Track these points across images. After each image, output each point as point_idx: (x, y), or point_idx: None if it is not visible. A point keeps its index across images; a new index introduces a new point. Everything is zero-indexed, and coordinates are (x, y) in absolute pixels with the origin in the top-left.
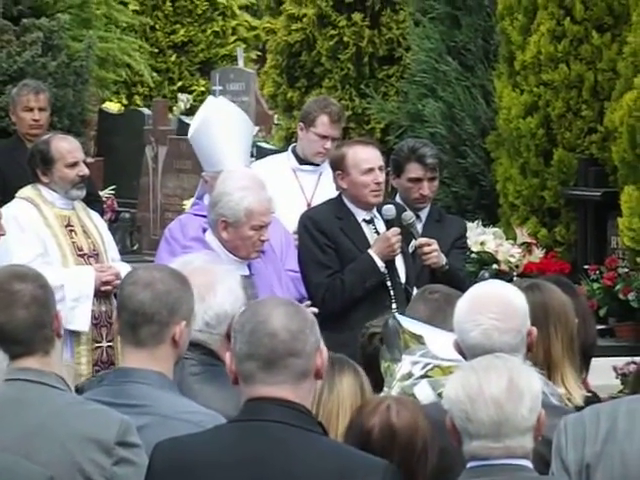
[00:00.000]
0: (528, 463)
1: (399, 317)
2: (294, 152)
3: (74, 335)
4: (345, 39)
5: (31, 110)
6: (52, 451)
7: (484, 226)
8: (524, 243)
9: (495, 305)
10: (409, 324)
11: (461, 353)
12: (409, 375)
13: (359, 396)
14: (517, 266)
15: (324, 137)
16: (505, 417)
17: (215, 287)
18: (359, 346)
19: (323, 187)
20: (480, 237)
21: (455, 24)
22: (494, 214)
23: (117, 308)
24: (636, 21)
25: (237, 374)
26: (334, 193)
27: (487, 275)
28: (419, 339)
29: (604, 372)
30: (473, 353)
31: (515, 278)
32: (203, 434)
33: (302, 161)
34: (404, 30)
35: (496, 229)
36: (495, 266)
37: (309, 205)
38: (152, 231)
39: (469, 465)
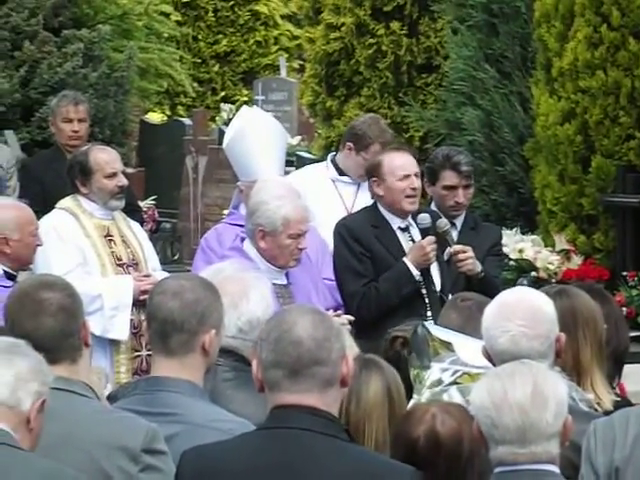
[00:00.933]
0: (554, 468)
1: (428, 325)
2: (333, 162)
3: (113, 344)
4: (383, 48)
5: (70, 121)
6: (79, 459)
7: (523, 233)
8: (563, 250)
9: (523, 311)
10: (438, 331)
11: (490, 360)
12: (439, 382)
13: (386, 401)
14: (556, 273)
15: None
16: (530, 423)
17: (248, 294)
18: (382, 350)
19: (362, 197)
20: (518, 244)
21: (492, 32)
22: (533, 221)
23: (147, 317)
24: None
25: (263, 382)
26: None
27: (525, 282)
28: (448, 346)
29: None
30: (501, 359)
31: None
32: (230, 442)
33: (341, 172)
34: (442, 38)
35: (534, 236)
36: (534, 273)
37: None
38: (193, 241)
39: (496, 470)
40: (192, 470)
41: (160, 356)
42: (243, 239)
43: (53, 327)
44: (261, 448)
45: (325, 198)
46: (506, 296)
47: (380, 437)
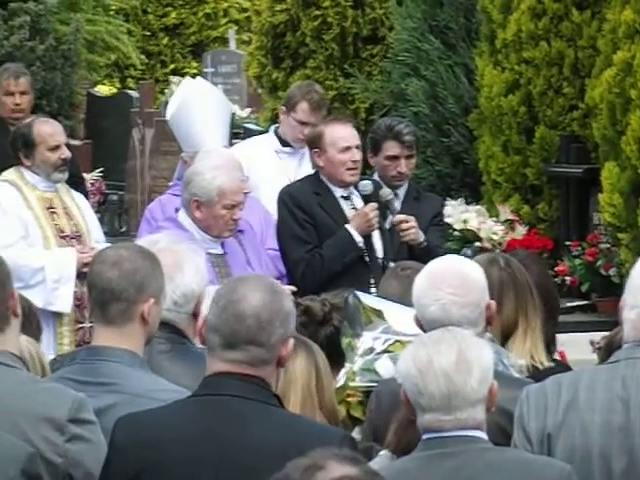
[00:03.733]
0: (481, 434)
1: (359, 293)
2: (276, 134)
3: (56, 316)
4: (329, 19)
5: (12, 94)
6: (5, 429)
7: (468, 204)
8: (507, 220)
9: (453, 280)
10: (368, 300)
11: (421, 328)
12: (371, 350)
13: (313, 375)
14: (500, 243)
15: (303, 123)
16: (454, 389)
17: (182, 267)
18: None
19: (306, 168)
20: (463, 215)
21: (437, 3)
22: (477, 192)
23: (87, 287)
24: None
25: (204, 339)
26: None
27: (469, 252)
28: (379, 314)
29: (585, 347)
30: (432, 328)
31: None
32: (162, 409)
33: (285, 143)
34: (387, 10)
35: (479, 207)
36: (478, 243)
37: None
38: (140, 213)
39: (424, 437)
40: (126, 437)
41: (100, 325)
42: (177, 209)
43: None
44: (192, 415)
45: (269, 169)
46: (436, 265)
47: (307, 408)
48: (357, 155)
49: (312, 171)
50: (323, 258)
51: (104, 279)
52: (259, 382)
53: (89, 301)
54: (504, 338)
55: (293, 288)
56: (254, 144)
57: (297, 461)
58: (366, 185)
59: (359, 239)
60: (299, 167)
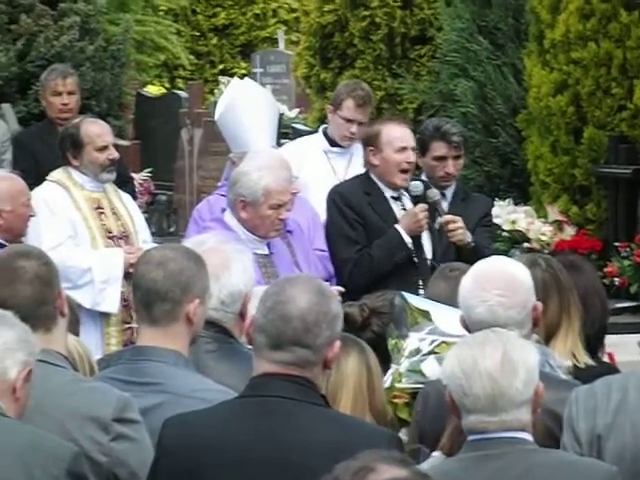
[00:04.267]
0: (526, 435)
1: (405, 294)
2: (325, 134)
3: (104, 316)
4: (377, 20)
5: (59, 94)
6: (51, 429)
7: (516, 204)
8: (555, 221)
9: (499, 281)
10: (415, 301)
11: (467, 329)
12: (417, 351)
13: (365, 375)
14: (548, 244)
15: (349, 121)
16: (500, 391)
17: (230, 266)
18: None
19: (354, 169)
20: (511, 215)
21: (486, 3)
22: (526, 192)
23: (132, 287)
24: None
25: (251, 339)
26: None
27: (518, 253)
28: (426, 315)
29: (634, 348)
30: (479, 329)
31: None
32: (210, 410)
33: (333, 143)
34: (435, 10)
35: (527, 207)
36: (526, 244)
37: None
38: (188, 213)
39: (469, 439)
40: (173, 438)
41: (145, 326)
42: (224, 210)
43: (28, 295)
44: (241, 416)
45: (317, 169)
46: (482, 266)
47: (358, 408)
48: (412, 157)
49: (362, 171)
50: (372, 258)
51: (149, 280)
52: (305, 383)
53: (134, 301)
54: (547, 338)
55: (341, 289)
56: (302, 144)
57: (346, 463)
58: (417, 186)
59: (408, 239)
60: (348, 167)
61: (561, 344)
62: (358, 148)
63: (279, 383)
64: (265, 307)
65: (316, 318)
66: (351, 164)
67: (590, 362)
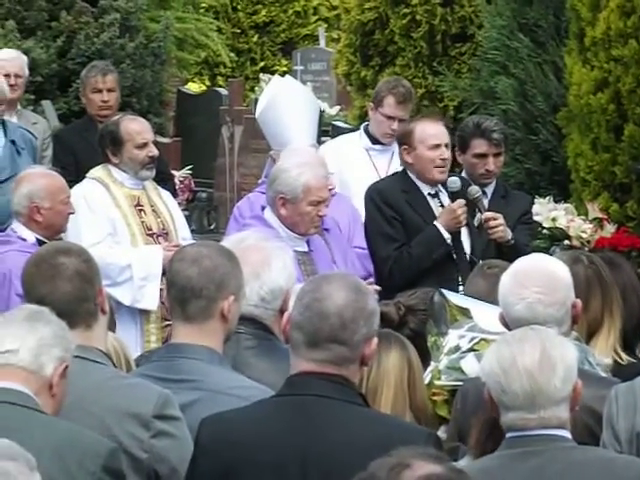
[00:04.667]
0: (565, 433)
1: (445, 292)
2: (366, 131)
3: (143, 313)
4: (418, 17)
5: (100, 91)
6: (91, 425)
7: (556, 202)
8: (596, 218)
9: (539, 278)
10: (455, 298)
11: (506, 326)
12: (456, 348)
13: (406, 370)
14: (589, 242)
15: (390, 118)
16: (538, 388)
17: (270, 263)
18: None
19: (396, 166)
20: (552, 213)
21: (526, 1)
22: (566, 190)
23: (167, 284)
24: None
25: (288, 337)
26: None
27: (558, 251)
28: (466, 312)
29: None
30: (518, 326)
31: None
32: (247, 409)
33: (375, 140)
34: (476, 8)
35: (567, 205)
36: (567, 242)
37: None
38: (229, 210)
39: (507, 436)
40: (211, 436)
41: (179, 322)
42: (264, 207)
43: (68, 291)
44: (278, 415)
45: (359, 167)
46: (522, 263)
47: (398, 404)
48: (446, 153)
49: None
50: (411, 255)
51: (184, 277)
52: (342, 381)
53: (168, 299)
54: (589, 335)
55: (377, 287)
56: (344, 142)
57: (382, 460)
58: (454, 182)
59: (447, 236)
60: (390, 164)
61: (603, 341)
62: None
63: (316, 382)
64: (302, 304)
65: (353, 315)
66: (393, 161)
67: (631, 359)
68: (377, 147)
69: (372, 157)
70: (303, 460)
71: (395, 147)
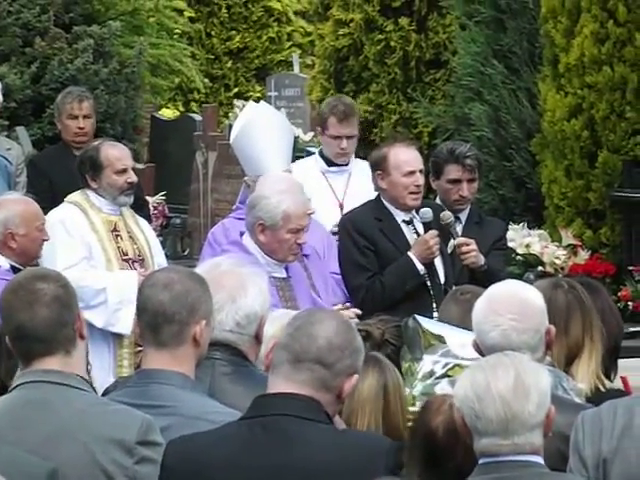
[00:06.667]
0: (538, 459)
1: (419, 318)
2: (321, 155)
3: (117, 338)
4: (392, 43)
5: (75, 118)
6: (74, 452)
7: (530, 228)
8: (569, 245)
9: (513, 305)
10: (429, 324)
11: (480, 353)
12: (430, 374)
13: (381, 397)
14: (562, 268)
15: (337, 137)
16: (512, 414)
17: (246, 288)
18: None
19: (353, 187)
20: (525, 239)
21: (500, 28)
22: (540, 216)
23: (137, 310)
24: None
25: (270, 362)
26: (365, 192)
27: (532, 277)
28: (440, 339)
29: None
30: (492, 353)
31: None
32: (213, 432)
33: (330, 163)
34: (450, 34)
35: (541, 231)
36: (540, 268)
37: (341, 206)
38: (203, 236)
39: (480, 462)
40: (177, 459)
41: (151, 349)
42: (242, 233)
43: (47, 317)
44: (241, 436)
45: (316, 191)
46: (496, 290)
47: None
48: (420, 179)
49: (360, 189)
50: (384, 285)
51: (155, 302)
52: (305, 399)
53: (139, 325)
54: (570, 360)
55: (358, 311)
56: (301, 166)
57: None
58: (426, 212)
59: (420, 267)
60: (347, 186)
61: (584, 366)
62: (356, 165)
63: (282, 402)
64: (292, 327)
65: (342, 343)
66: (350, 183)
67: (612, 385)
68: (333, 169)
69: (329, 179)
70: (269, 478)
71: (351, 168)
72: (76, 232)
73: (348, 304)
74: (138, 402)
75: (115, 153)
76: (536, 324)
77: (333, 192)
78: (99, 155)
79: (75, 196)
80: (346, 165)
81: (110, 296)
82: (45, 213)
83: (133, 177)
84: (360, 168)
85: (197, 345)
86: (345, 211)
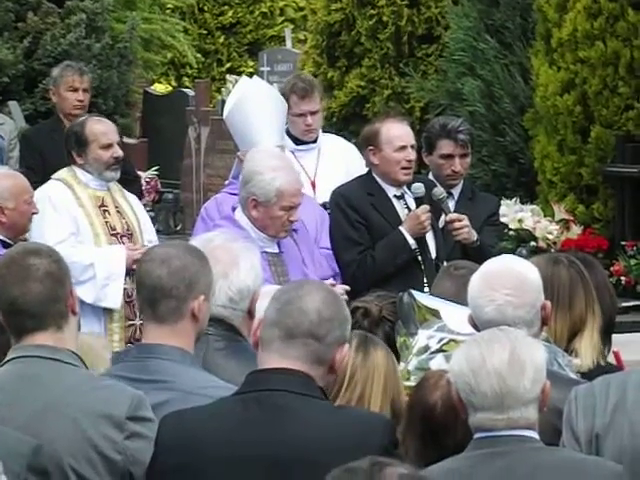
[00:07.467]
0: (533, 434)
1: (414, 292)
2: (288, 133)
3: (107, 312)
4: (384, 18)
5: (76, 90)
6: (64, 427)
7: (522, 203)
8: (562, 220)
9: (508, 280)
10: (424, 299)
11: (475, 328)
12: (425, 349)
13: (392, 368)
14: (555, 243)
15: (300, 115)
16: (507, 389)
17: (238, 263)
18: None
19: (324, 164)
20: (518, 214)
21: (493, 2)
22: (533, 191)
23: (136, 285)
24: None
25: (259, 339)
26: (336, 169)
27: (525, 252)
28: (435, 313)
29: None
30: (487, 328)
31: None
32: (206, 407)
33: (298, 141)
34: (443, 9)
35: (534, 206)
36: (533, 243)
37: (313, 184)
38: (195, 211)
39: (475, 436)
40: (170, 434)
41: (150, 323)
42: (234, 208)
43: (40, 292)
44: (235, 413)
45: None
46: (491, 265)
47: (387, 395)
48: (412, 154)
49: (332, 165)
50: (375, 260)
51: (154, 277)
52: (304, 376)
53: (138, 299)
54: (573, 334)
55: (347, 287)
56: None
57: (362, 459)
58: (418, 187)
59: (412, 241)
60: (317, 163)
61: (587, 339)
62: (325, 142)
63: (276, 377)
64: (280, 302)
65: (331, 315)
66: (320, 159)
67: (611, 360)
68: (301, 147)
69: (298, 158)
70: (264, 454)
71: (321, 143)
72: (63, 208)
73: (333, 281)
74: (137, 376)
75: (100, 128)
76: (532, 299)
77: (304, 170)
78: (84, 130)
79: (62, 173)
80: (314, 142)
81: (98, 271)
82: (35, 188)
83: (119, 152)
84: (330, 143)
85: (196, 320)
86: (318, 189)
